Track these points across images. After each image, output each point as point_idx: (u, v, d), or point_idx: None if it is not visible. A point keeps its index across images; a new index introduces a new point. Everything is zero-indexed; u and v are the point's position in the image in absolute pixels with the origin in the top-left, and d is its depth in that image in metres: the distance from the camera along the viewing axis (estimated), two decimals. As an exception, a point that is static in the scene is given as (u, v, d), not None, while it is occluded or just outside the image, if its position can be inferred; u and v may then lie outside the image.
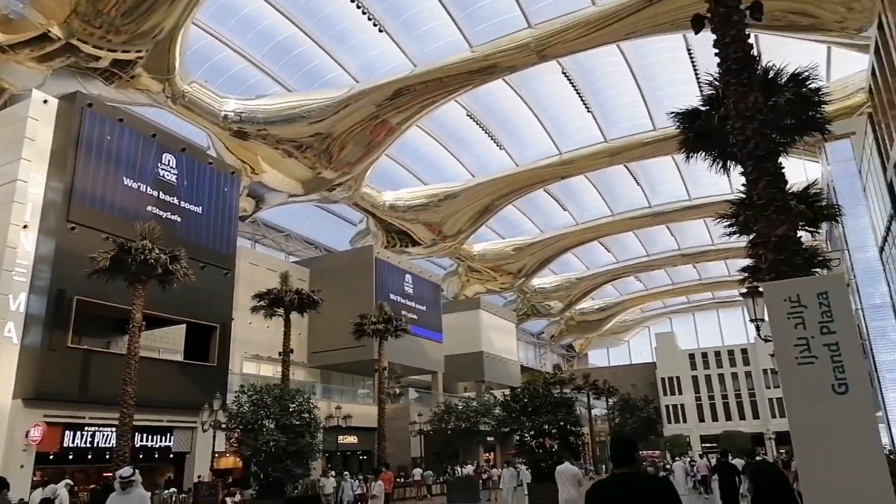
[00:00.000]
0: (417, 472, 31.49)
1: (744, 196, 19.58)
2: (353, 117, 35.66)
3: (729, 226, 20.70)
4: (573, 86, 39.06)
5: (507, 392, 46.26)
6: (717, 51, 8.73)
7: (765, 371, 66.60)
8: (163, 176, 25.33)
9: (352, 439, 33.16)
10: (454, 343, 46.14)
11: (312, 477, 21.81)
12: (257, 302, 26.66)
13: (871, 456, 4.26)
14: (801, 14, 26.28)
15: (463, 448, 33.31)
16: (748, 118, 8.15)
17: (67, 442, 20.60)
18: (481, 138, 43.62)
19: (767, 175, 7.85)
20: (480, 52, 33.58)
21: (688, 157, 16.98)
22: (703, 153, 16.38)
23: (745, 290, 12.72)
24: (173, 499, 18.16)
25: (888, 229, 26.98)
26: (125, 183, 23.78)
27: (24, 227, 20.68)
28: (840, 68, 32.81)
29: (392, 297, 39.24)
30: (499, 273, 58.04)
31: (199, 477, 21.54)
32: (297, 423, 18.12)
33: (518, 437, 21.16)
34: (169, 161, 25.70)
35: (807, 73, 14.70)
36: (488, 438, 38.51)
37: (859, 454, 4.25)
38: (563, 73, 37.85)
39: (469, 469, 28.50)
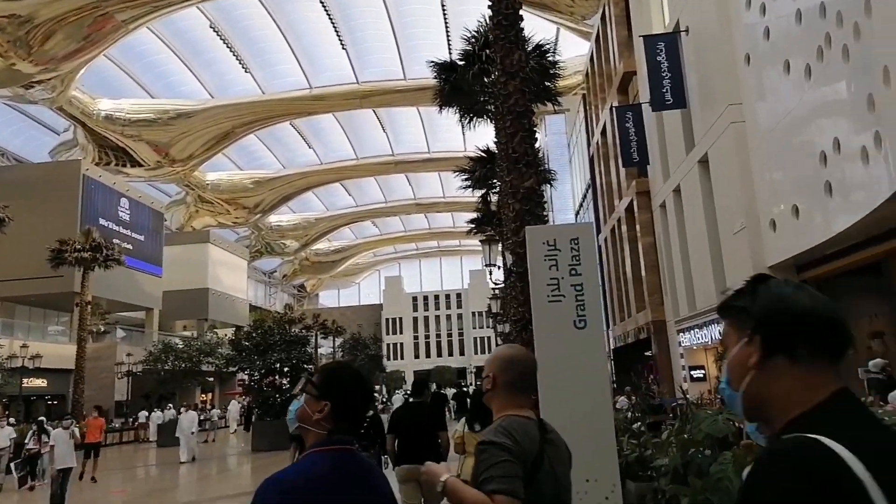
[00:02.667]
0: (143, 414, 28.61)
1: (483, 153, 21.28)
2: (66, 3, 29.44)
3: (466, 180, 22.35)
4: (330, 19, 37.75)
5: (231, 332, 44.39)
6: (489, 3, 8.96)
7: (473, 314, 75.13)
8: None
9: (40, 382, 28.57)
10: (176, 278, 42.34)
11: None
12: (-89, 214, 20.84)
13: (600, 382, 4.84)
14: (541, -7, 28.97)
15: (180, 389, 31.06)
16: (511, 74, 8.57)
17: None
18: (225, 56, 39.83)
19: (523, 131, 8.39)
20: (231, -43, 30.28)
21: (441, 109, 17.69)
22: (455, 106, 17.24)
23: (483, 238, 13.79)
24: None
25: (584, 196, 31.96)
26: None
27: None
28: (562, 50, 37.22)
29: (103, 222, 34.18)
30: (233, 206, 54.54)
31: None
32: (-31, 363, 14.77)
33: (248, 376, 20.39)
34: None
35: (548, 46, 16.24)
36: (208, 379, 36.57)
37: (591, 380, 4.79)
38: (321, 2, 36.28)
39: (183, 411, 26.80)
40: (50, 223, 30.18)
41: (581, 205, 32.91)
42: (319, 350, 52.98)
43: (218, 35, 37.67)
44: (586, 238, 5.21)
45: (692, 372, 15.45)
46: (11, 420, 23.94)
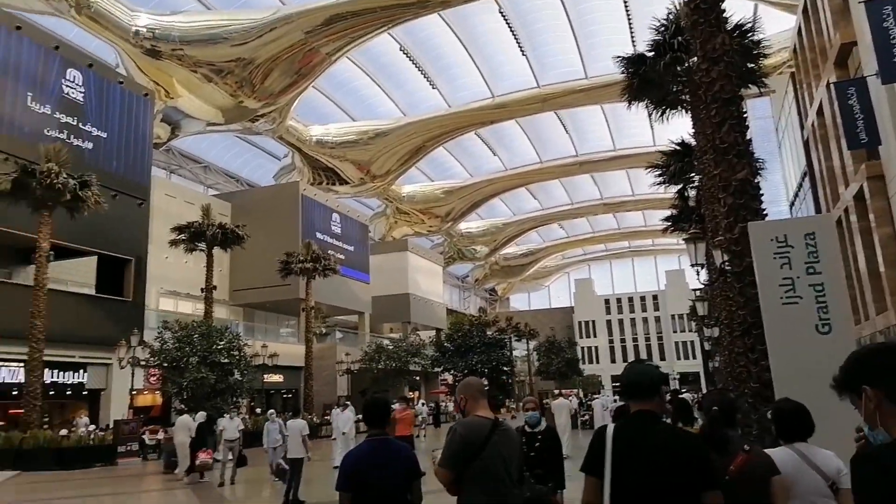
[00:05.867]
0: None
1: (677, 146, 20.09)
2: (279, 43, 33.53)
3: (659, 175, 21.23)
4: (509, 26, 38.34)
5: (432, 334, 46.77)
6: (687, -12, 8.53)
7: (672, 316, 70.88)
8: (68, 94, 22.95)
9: (277, 378, 32.69)
10: (381, 284, 45.86)
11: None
12: (177, 235, 25.18)
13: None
14: (739, -32, 26.58)
15: (392, 386, 33.64)
16: (714, 60, 8.06)
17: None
18: (413, 75, 42.38)
19: (731, 119, 7.85)
20: (417, -19, 32.16)
21: (630, 104, 17.08)
22: (646, 100, 16.53)
23: (687, 236, 13.05)
24: (91, 436, 17.24)
25: (800, 185, 28.62)
26: (26, 100, 21.38)
27: None
28: (763, 27, 33.83)
29: (319, 235, 38.19)
30: (427, 216, 57.72)
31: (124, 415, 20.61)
32: (226, 360, 17.45)
33: (451, 376, 21.46)
34: (74, 77, 23.29)
35: (750, 24, 14.91)
36: (415, 378, 39.06)
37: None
38: (500, 12, 37.02)
39: (397, 406, 28.72)
40: (277, 238, 34.45)
41: (796, 195, 29.54)
42: (514, 353, 53.87)
43: (407, 56, 40.21)
44: (825, 232, 4.74)
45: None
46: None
